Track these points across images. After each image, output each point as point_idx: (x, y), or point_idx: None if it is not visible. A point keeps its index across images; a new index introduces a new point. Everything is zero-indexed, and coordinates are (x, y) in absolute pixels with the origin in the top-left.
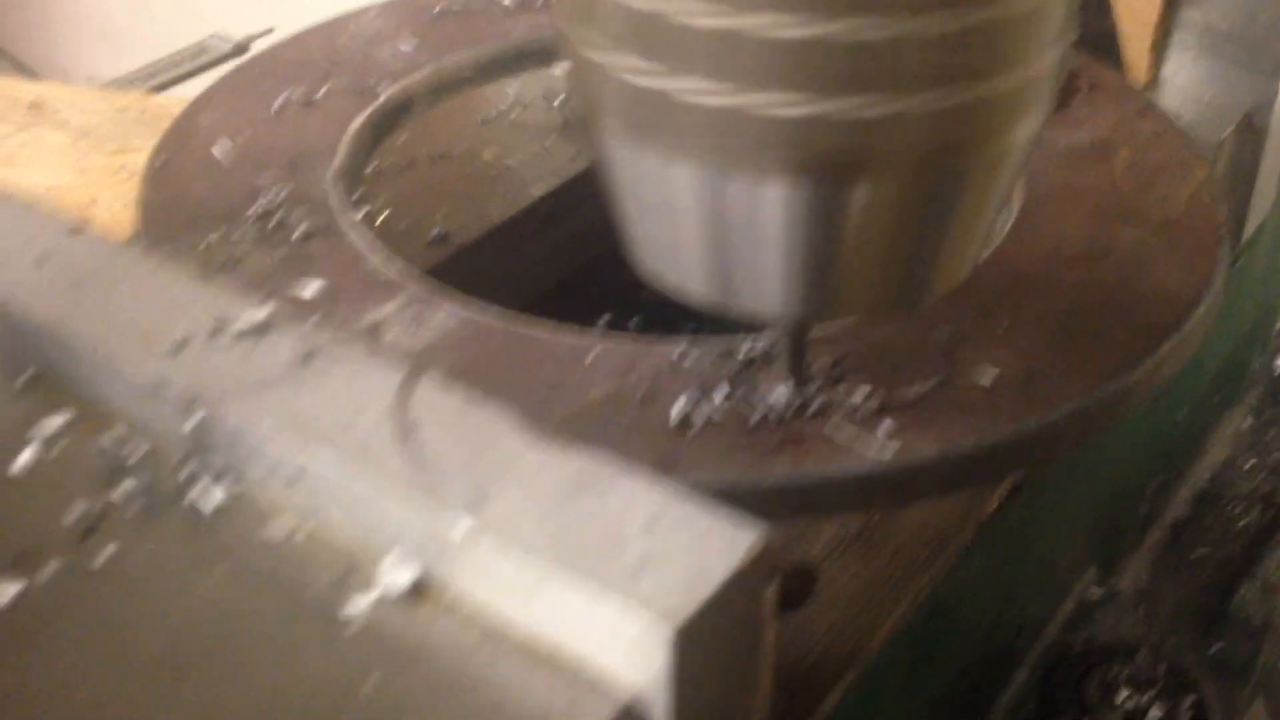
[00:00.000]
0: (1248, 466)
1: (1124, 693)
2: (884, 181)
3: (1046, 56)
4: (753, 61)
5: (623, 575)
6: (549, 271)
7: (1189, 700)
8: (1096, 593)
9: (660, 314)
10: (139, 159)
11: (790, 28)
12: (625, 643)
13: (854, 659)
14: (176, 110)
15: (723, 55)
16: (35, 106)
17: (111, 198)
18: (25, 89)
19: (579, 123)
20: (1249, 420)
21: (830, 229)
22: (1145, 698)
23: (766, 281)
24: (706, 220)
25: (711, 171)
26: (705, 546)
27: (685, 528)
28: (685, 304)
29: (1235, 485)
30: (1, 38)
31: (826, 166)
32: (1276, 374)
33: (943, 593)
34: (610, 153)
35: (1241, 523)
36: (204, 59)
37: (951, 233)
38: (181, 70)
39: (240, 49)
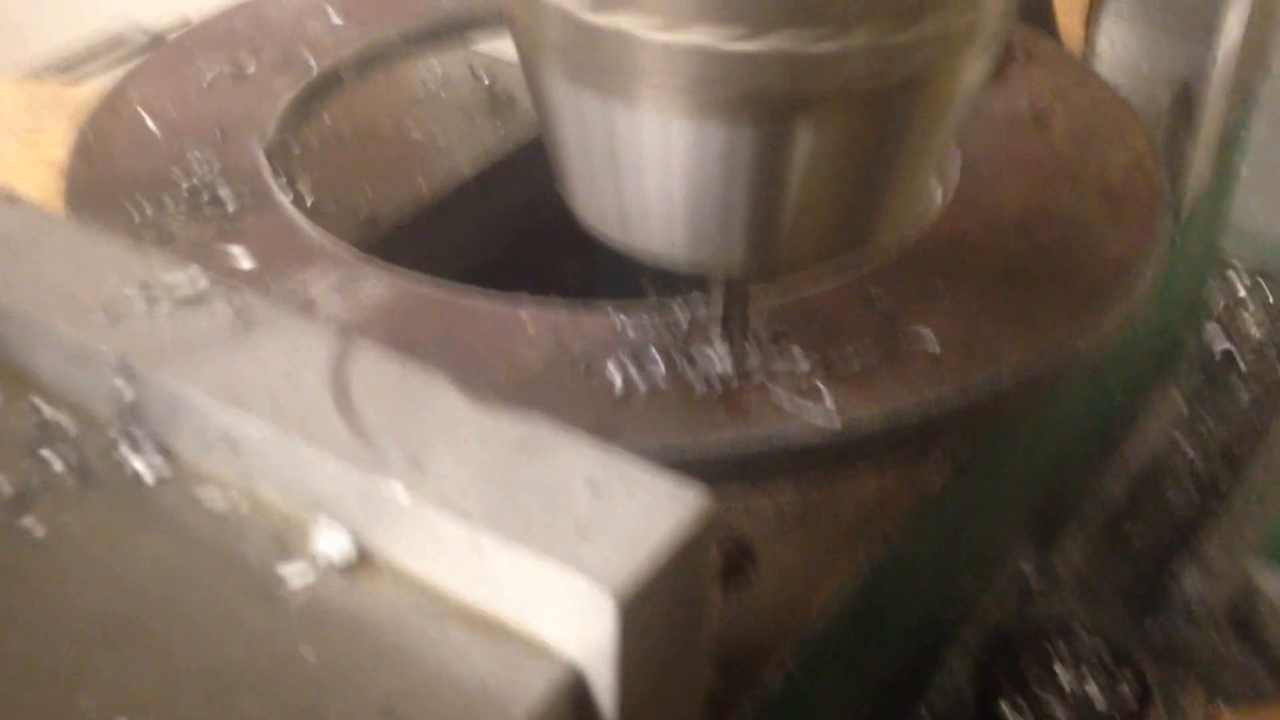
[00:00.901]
0: (1186, 450)
1: (1063, 671)
2: (826, 121)
3: None
4: None
5: (565, 542)
6: (481, 249)
7: (1127, 679)
8: (1035, 573)
9: (584, 291)
10: (57, 151)
11: None
12: (568, 611)
13: (790, 635)
14: (95, 101)
15: None
16: None
17: (29, 189)
18: None
19: (505, 100)
20: (1187, 403)
21: (774, 172)
22: (1084, 676)
23: (709, 231)
24: (648, 165)
25: (653, 112)
26: (649, 512)
27: (628, 493)
28: (625, 269)
29: (1175, 468)
30: None
31: (770, 104)
32: (1212, 354)
33: (882, 570)
34: (550, 93)
35: (1179, 505)
36: (121, 50)
37: (894, 177)
38: (99, 62)
39: (159, 41)
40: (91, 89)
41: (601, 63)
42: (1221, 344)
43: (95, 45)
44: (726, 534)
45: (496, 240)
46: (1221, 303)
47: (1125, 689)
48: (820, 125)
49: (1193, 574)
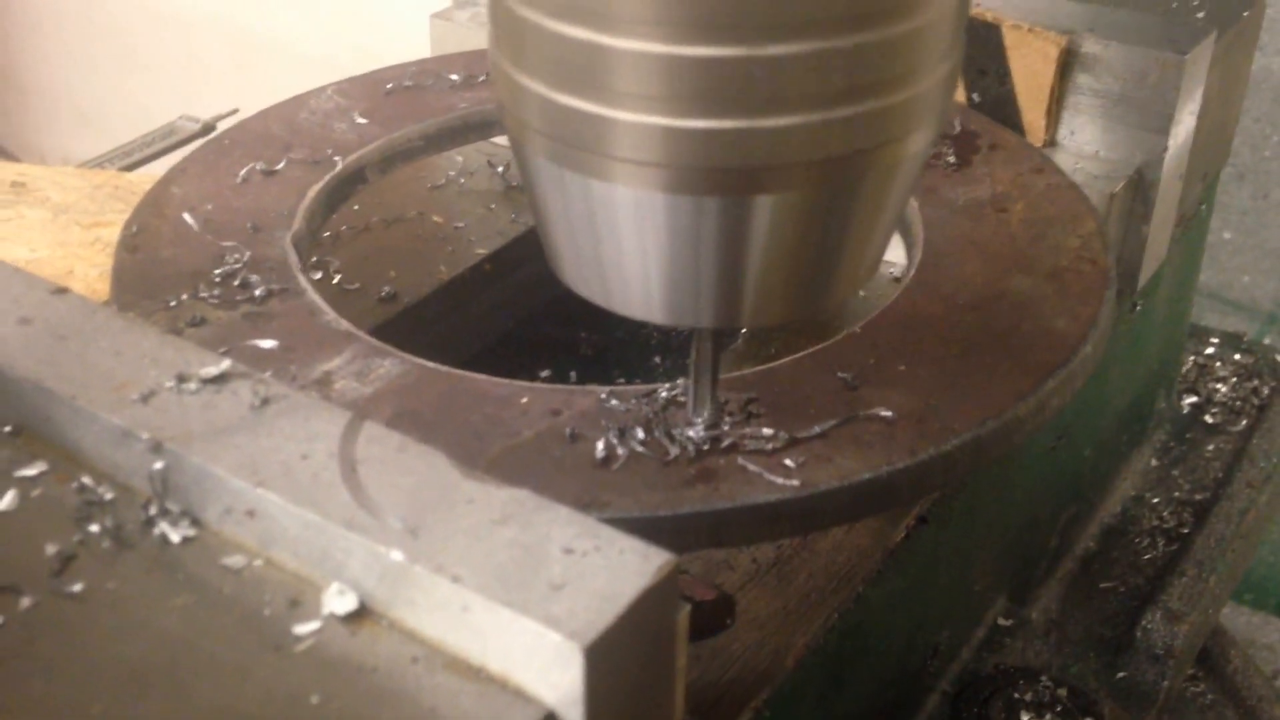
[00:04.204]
0: (1154, 502)
1: (1027, 715)
2: (781, 192)
3: (933, 74)
4: (658, 80)
5: (539, 599)
6: (494, 325)
7: None
8: (1007, 621)
9: (596, 361)
10: (113, 232)
11: (690, 48)
12: (543, 660)
13: (766, 681)
14: (148, 186)
15: (632, 75)
16: (17, 185)
17: (87, 268)
18: (8, 169)
19: (518, 187)
20: (1155, 458)
21: (739, 237)
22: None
23: (682, 293)
24: (624, 235)
25: (626, 186)
26: (616, 572)
27: (599, 556)
28: (631, 339)
29: (1142, 520)
30: None
31: (732, 176)
32: (1181, 413)
33: (853, 618)
34: (534, 171)
35: (1147, 555)
36: (174, 139)
37: (848, 242)
38: (153, 149)
39: (207, 129)
40: (146, 174)
41: (578, 142)
42: (1190, 401)
43: (149, 134)
44: (708, 586)
45: (510, 315)
46: (1191, 359)
47: None
48: (778, 193)
49: (1158, 622)
